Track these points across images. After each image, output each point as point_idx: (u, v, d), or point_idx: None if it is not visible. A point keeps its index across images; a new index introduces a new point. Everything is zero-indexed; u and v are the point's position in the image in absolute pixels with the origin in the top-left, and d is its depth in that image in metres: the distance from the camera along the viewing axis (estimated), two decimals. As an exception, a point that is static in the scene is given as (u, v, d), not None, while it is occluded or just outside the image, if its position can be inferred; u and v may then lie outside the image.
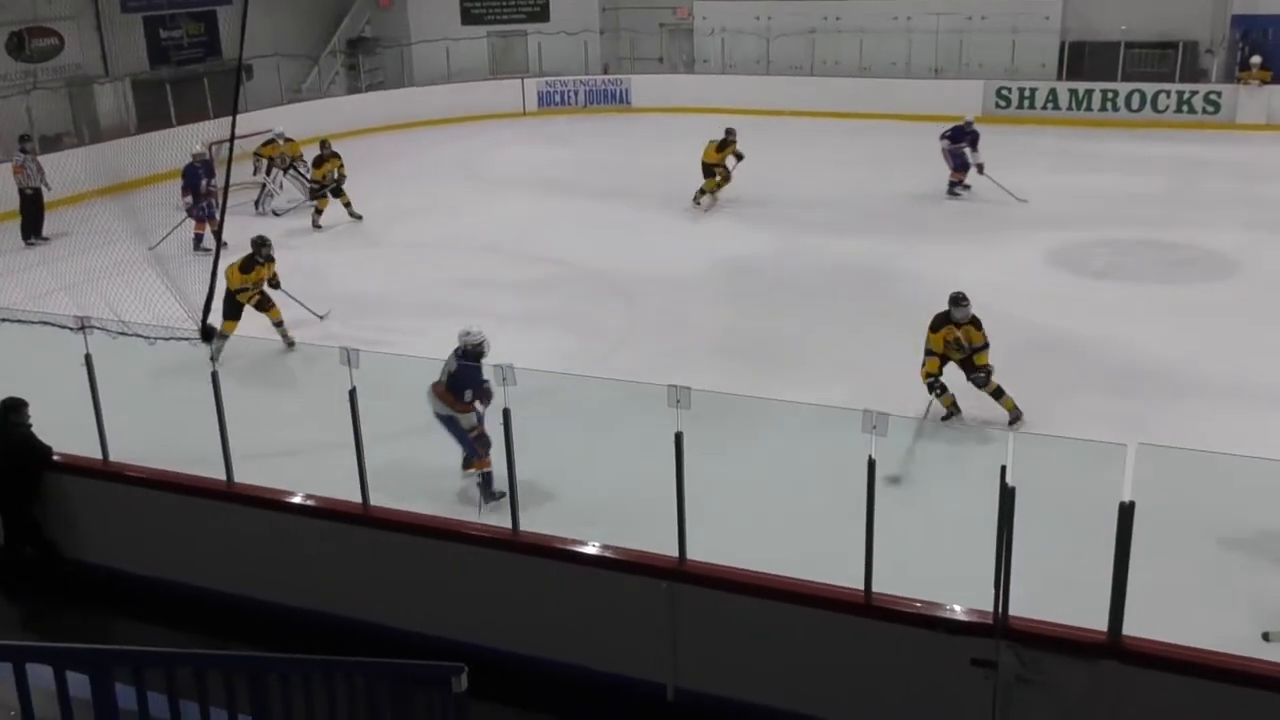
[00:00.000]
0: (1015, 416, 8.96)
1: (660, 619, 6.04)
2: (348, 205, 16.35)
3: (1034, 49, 23.87)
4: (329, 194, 16.44)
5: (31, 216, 15.86)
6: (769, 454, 8.08)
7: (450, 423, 7.69)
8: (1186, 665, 5.16)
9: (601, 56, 27.01)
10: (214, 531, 7.22)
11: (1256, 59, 21.49)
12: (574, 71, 26.08)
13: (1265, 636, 7.22)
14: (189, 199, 15.20)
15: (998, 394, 8.99)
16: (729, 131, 16.97)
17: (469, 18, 26.70)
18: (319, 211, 16.49)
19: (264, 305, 11.17)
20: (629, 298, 12.78)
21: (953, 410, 9.02)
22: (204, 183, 15.19)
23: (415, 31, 26.17)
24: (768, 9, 25.74)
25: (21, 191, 15.81)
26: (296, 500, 6.95)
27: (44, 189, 15.82)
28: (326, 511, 6.81)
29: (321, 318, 12.14)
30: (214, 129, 16.71)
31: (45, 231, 15.88)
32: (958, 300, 9.13)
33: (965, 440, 6.17)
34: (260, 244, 11.34)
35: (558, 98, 25.33)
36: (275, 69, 22.99)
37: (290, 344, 11.16)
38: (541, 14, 26.87)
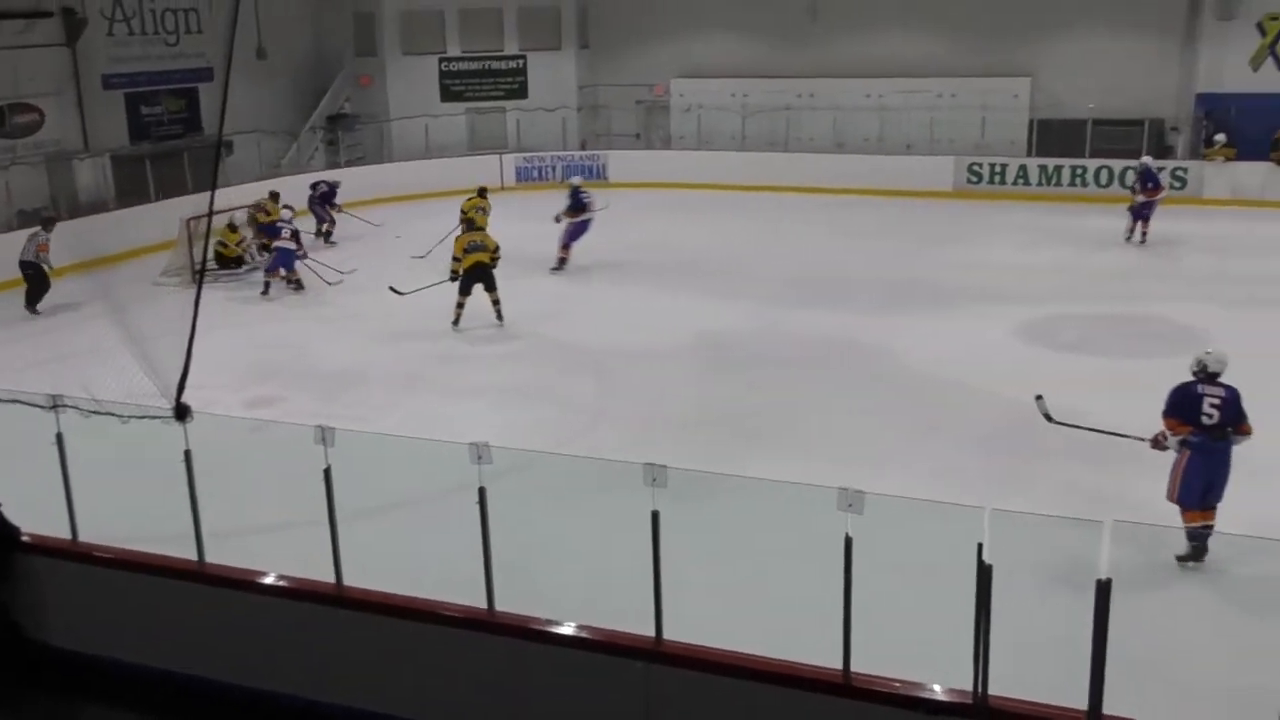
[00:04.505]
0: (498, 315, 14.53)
1: (635, 700, 5.97)
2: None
3: (1004, 126, 24.37)
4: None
5: (39, 289, 16.33)
6: (746, 531, 8.06)
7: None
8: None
9: (579, 132, 27.37)
10: (185, 613, 7.11)
11: (1221, 136, 21.94)
12: (552, 147, 26.41)
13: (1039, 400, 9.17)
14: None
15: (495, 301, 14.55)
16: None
17: (448, 95, 27.05)
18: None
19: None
20: (604, 371, 12.81)
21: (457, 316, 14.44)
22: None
23: (394, 108, 26.49)
24: (743, 86, 26.20)
25: (42, 268, 16.23)
26: (269, 581, 6.86)
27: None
28: (299, 592, 6.73)
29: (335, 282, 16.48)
30: (193, 203, 16.98)
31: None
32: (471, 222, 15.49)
33: (940, 516, 6.21)
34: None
35: (536, 173, 25.61)
36: (255, 144, 23.20)
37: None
38: (520, 91, 27.26)
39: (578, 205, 17.79)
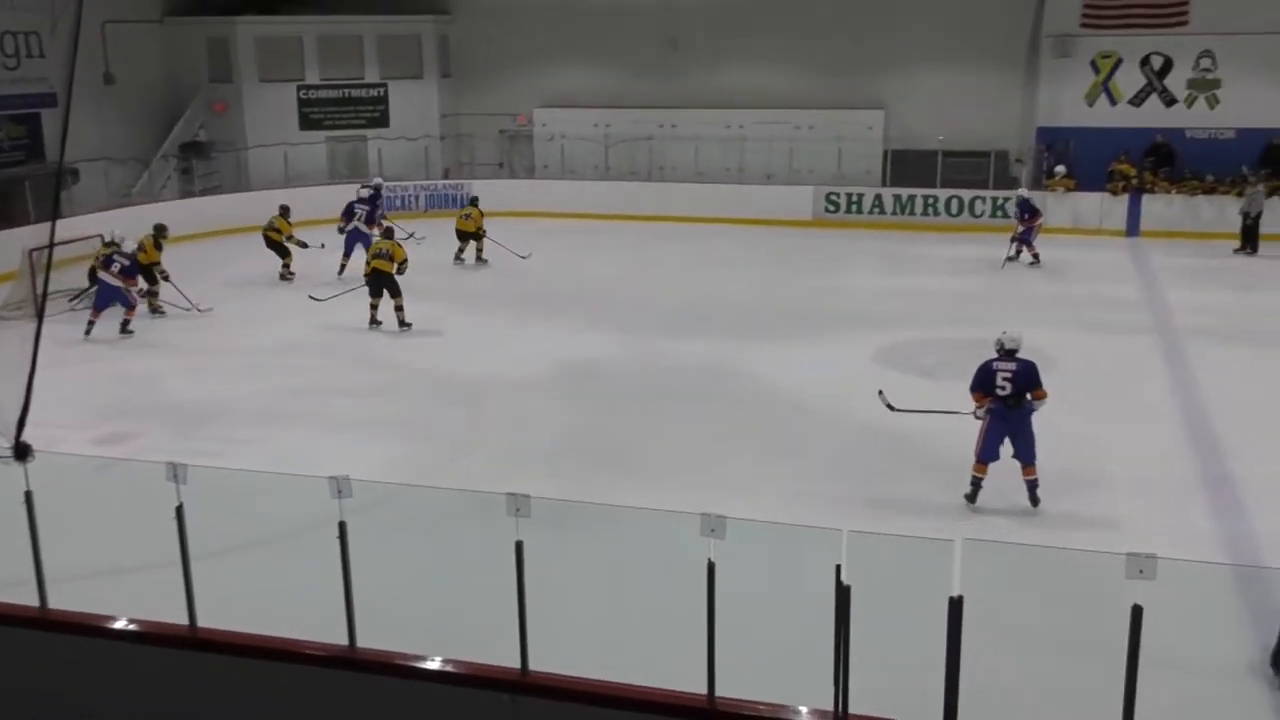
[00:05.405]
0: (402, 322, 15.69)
1: (504, 733, 5.92)
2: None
3: (860, 157, 25.11)
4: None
5: None
6: (612, 559, 8.08)
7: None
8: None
9: (442, 161, 27.21)
10: (26, 662, 6.77)
11: (1061, 168, 23.03)
12: (415, 176, 26.19)
13: (880, 394, 10.68)
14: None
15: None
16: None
17: (307, 123, 26.58)
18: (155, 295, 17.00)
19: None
20: (469, 402, 12.72)
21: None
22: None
23: (252, 136, 25.89)
24: (605, 116, 26.43)
25: None
26: (118, 625, 6.58)
27: None
28: (150, 636, 6.47)
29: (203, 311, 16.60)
30: (35, 234, 16.28)
31: None
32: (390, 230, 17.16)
33: (800, 539, 6.37)
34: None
35: (399, 202, 25.28)
36: (103, 173, 22.41)
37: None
38: (381, 120, 26.98)
39: (347, 214, 19.51)
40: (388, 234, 16.72)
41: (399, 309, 15.70)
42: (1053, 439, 10.22)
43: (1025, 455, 9.45)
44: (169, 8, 26.17)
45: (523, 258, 20.40)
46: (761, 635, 6.81)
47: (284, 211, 19.53)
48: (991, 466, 9.71)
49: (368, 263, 15.86)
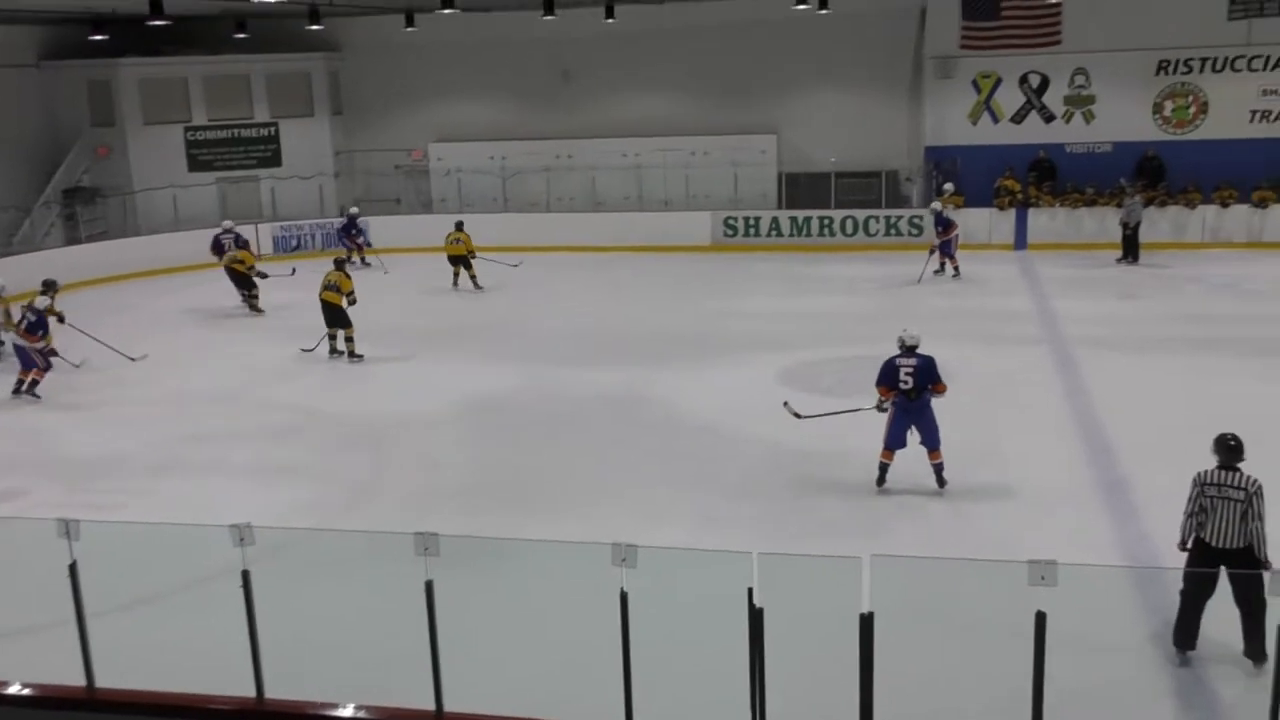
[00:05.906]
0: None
1: (421, 777, 5.81)
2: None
3: (755, 180, 25.43)
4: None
5: None
6: (524, 594, 8.01)
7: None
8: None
9: (338, 199, 26.87)
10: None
11: (949, 185, 23.55)
12: (310, 215, 25.80)
13: (785, 404, 11.19)
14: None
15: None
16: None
17: (196, 164, 25.97)
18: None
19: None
20: (374, 442, 12.54)
21: None
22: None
23: (138, 179, 25.23)
24: (501, 149, 26.41)
25: None
26: (11, 691, 6.32)
27: None
28: (46, 700, 6.23)
29: (134, 359, 15.80)
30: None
31: None
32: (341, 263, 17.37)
33: (712, 563, 6.41)
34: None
35: (294, 242, 24.89)
36: (-19, 221, 21.70)
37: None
38: (273, 159, 26.56)
39: (216, 248, 20.30)
40: (338, 265, 16.95)
41: (349, 340, 15.99)
42: (952, 452, 10.47)
43: (930, 441, 10.28)
44: (45, 51, 25.45)
45: (513, 266, 21.17)
46: (678, 662, 6.81)
47: (244, 244, 19.66)
48: (899, 455, 10.40)
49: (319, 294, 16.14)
